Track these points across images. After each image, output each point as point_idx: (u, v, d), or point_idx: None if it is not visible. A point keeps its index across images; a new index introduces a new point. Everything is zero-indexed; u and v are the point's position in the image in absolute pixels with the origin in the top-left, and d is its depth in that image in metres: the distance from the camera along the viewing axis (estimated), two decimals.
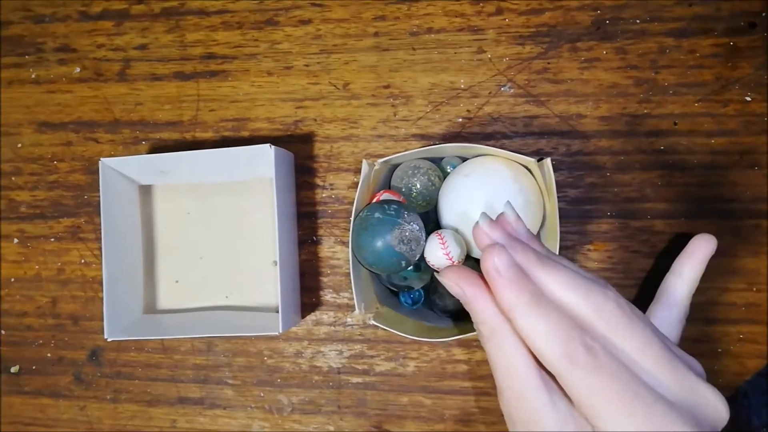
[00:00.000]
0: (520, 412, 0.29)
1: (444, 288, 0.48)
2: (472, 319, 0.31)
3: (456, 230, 0.46)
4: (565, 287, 0.28)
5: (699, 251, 0.38)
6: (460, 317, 0.50)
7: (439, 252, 0.44)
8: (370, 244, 0.43)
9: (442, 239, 0.44)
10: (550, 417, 0.28)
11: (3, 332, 0.61)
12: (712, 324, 0.50)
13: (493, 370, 0.30)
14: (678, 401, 0.27)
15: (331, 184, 0.55)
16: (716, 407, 0.28)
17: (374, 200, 0.48)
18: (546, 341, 0.26)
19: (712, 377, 0.50)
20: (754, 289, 0.50)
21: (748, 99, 0.50)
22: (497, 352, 0.29)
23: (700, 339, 0.50)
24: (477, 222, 0.31)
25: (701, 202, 0.50)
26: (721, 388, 0.50)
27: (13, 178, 0.60)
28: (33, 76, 0.60)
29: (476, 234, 0.31)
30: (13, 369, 0.61)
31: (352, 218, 0.46)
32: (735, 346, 0.50)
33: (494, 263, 0.28)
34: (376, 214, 0.43)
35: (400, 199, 0.47)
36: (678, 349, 0.30)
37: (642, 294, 0.51)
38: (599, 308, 0.27)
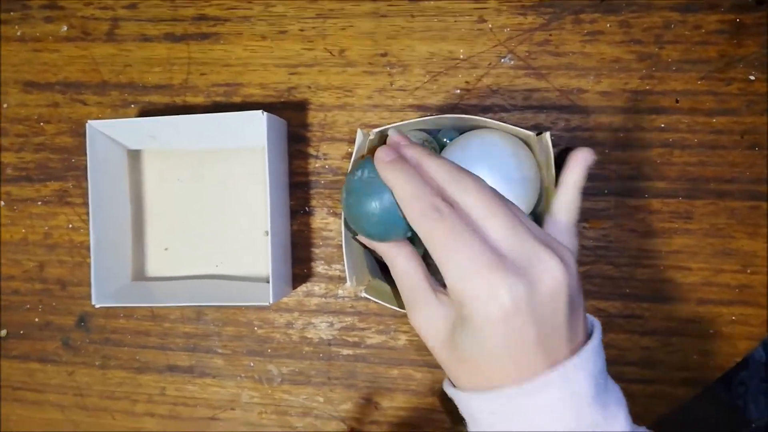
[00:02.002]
0: (418, 315, 0.36)
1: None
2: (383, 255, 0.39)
3: None
4: (435, 166, 0.35)
5: (576, 160, 0.41)
6: None
7: None
8: (365, 209, 0.37)
9: None
10: (436, 309, 0.35)
11: None
12: (705, 304, 0.50)
13: (400, 290, 0.38)
14: (509, 256, 0.31)
15: (324, 154, 0.54)
16: (551, 270, 0.31)
17: None
18: (408, 202, 0.33)
19: (704, 358, 0.50)
20: (749, 271, 0.49)
21: (752, 78, 0.49)
22: (396, 271, 0.38)
23: (693, 319, 0.50)
24: (389, 133, 0.38)
25: (700, 181, 0.50)
26: (713, 368, 0.50)
27: None
28: (18, 33, 0.58)
29: (388, 140, 0.38)
30: (1, 333, 0.60)
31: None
32: (727, 327, 0.50)
33: (379, 154, 0.36)
34: (367, 173, 0.37)
35: None
36: (538, 231, 0.34)
37: (633, 275, 0.51)
38: (459, 182, 0.33)
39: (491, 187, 0.34)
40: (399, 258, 0.37)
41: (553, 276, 0.31)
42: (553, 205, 0.41)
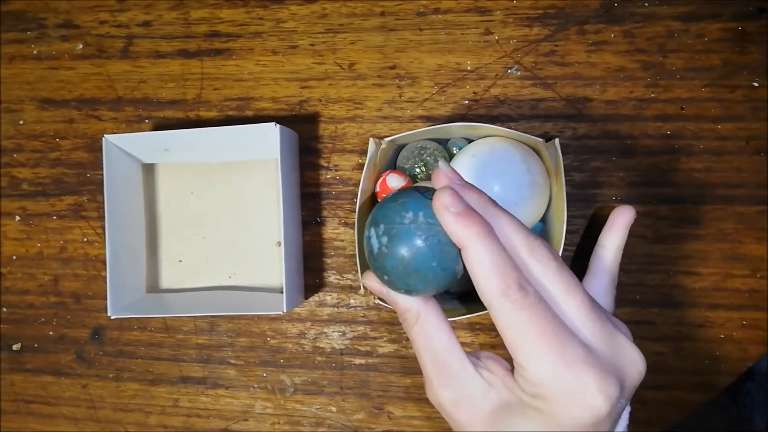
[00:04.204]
0: (448, 390, 0.31)
1: None
2: (397, 312, 0.33)
3: None
4: (510, 229, 0.30)
5: (619, 221, 0.40)
6: (465, 299, 0.50)
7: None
8: (418, 261, 0.30)
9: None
10: (476, 385, 0.30)
11: (4, 310, 0.61)
12: (715, 309, 0.50)
13: (419, 357, 0.32)
14: (596, 348, 0.29)
15: (335, 165, 0.55)
16: (636, 364, 0.30)
17: (379, 181, 0.48)
18: (487, 272, 0.28)
19: (715, 362, 0.50)
20: (758, 275, 0.50)
21: (756, 84, 0.50)
22: (422, 334, 0.32)
23: (703, 324, 0.50)
24: (438, 165, 0.32)
25: (706, 187, 0.50)
26: (725, 373, 0.50)
27: (14, 155, 0.60)
28: (35, 52, 0.60)
29: (436, 175, 0.32)
30: (15, 346, 0.60)
31: (357, 199, 0.46)
32: (737, 332, 0.50)
33: (445, 200, 0.29)
34: (423, 216, 0.30)
35: (406, 181, 0.47)
36: (605, 310, 0.32)
37: (642, 281, 0.51)
38: (535, 251, 0.30)
39: (557, 253, 0.31)
40: (430, 319, 0.32)
41: (638, 371, 0.30)
42: (592, 266, 0.39)
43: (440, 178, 0.31)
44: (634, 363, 0.30)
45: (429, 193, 0.31)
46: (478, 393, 0.30)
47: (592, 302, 0.30)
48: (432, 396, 0.32)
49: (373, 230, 0.31)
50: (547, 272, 0.29)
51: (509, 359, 0.30)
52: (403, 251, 0.30)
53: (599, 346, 0.29)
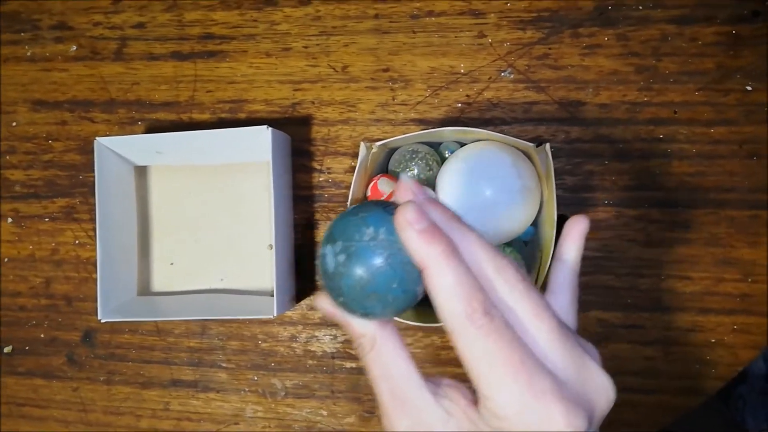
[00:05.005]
0: (405, 420, 0.29)
1: None
2: (351, 337, 0.31)
3: None
4: (476, 247, 0.28)
5: (573, 232, 0.38)
6: None
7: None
8: (377, 280, 0.27)
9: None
10: (436, 415, 0.28)
11: None
12: (707, 314, 0.50)
13: (375, 385, 0.30)
14: (565, 377, 0.27)
15: (328, 168, 0.55)
16: (606, 391, 0.28)
17: (371, 185, 0.47)
18: (450, 295, 0.26)
19: (705, 367, 0.50)
20: (750, 280, 0.50)
21: (749, 88, 0.50)
22: (378, 361, 0.29)
23: (694, 329, 0.50)
24: (401, 178, 0.30)
25: (699, 191, 0.50)
26: (715, 377, 0.50)
27: (7, 157, 0.60)
28: (29, 53, 0.59)
29: (398, 188, 0.30)
30: (6, 349, 0.60)
31: (348, 203, 0.46)
32: (729, 336, 0.50)
33: (408, 216, 0.27)
34: (384, 233, 0.28)
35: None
36: (573, 332, 0.30)
37: (634, 285, 0.51)
38: (502, 271, 0.28)
39: (525, 272, 0.29)
40: (386, 344, 0.29)
41: (608, 398, 0.28)
42: (552, 282, 0.38)
43: (403, 193, 0.29)
44: (603, 390, 0.28)
45: (391, 208, 0.28)
46: (437, 423, 0.28)
47: (561, 326, 0.28)
48: (388, 426, 0.29)
49: (329, 248, 0.28)
50: (514, 293, 0.28)
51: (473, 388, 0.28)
52: (362, 271, 0.27)
53: (568, 374, 0.27)
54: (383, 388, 0.29)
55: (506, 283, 0.28)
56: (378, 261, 0.27)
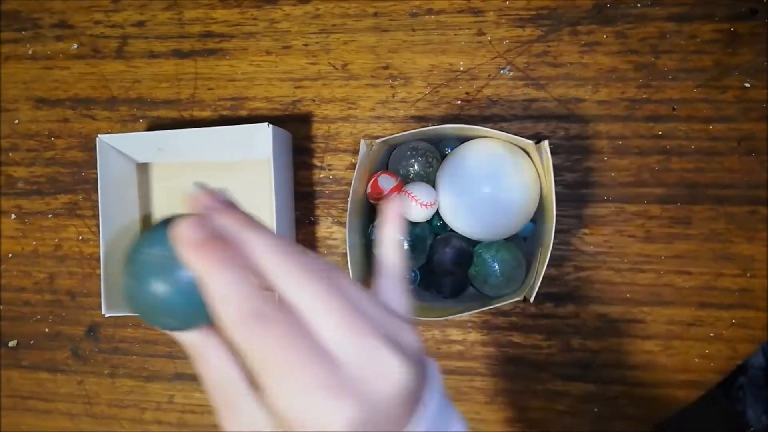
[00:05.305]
0: (235, 424, 0.29)
1: (440, 269, 0.49)
2: (185, 348, 0.31)
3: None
4: (261, 249, 0.28)
5: (389, 213, 0.37)
6: (456, 297, 0.50)
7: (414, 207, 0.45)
8: (155, 294, 0.28)
9: (410, 194, 0.45)
10: (260, 418, 0.28)
11: (1, 307, 0.61)
12: (706, 308, 0.51)
13: (207, 392, 0.30)
14: (345, 366, 0.27)
15: (328, 165, 0.55)
16: (389, 377, 0.28)
17: (371, 182, 0.48)
18: (222, 304, 0.26)
19: (705, 361, 0.50)
20: (748, 275, 0.50)
21: (747, 85, 0.50)
22: (205, 369, 0.30)
23: (693, 323, 0.51)
24: (191, 190, 0.30)
25: (698, 187, 0.50)
26: (714, 371, 0.51)
27: (10, 154, 0.60)
28: (30, 51, 0.60)
29: (189, 201, 0.30)
30: (11, 343, 0.61)
31: (349, 203, 0.46)
32: (727, 330, 0.50)
33: (181, 231, 0.27)
34: (158, 250, 0.28)
35: (397, 181, 0.47)
36: (373, 318, 0.30)
37: (633, 280, 0.51)
38: (287, 266, 0.28)
39: (327, 264, 0.29)
40: (210, 353, 0.30)
41: (391, 382, 0.28)
42: (379, 267, 0.37)
43: (193, 204, 0.29)
44: (387, 374, 0.28)
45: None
46: (261, 424, 0.29)
47: (352, 315, 0.28)
48: (222, 428, 0.30)
49: (125, 271, 0.28)
50: (299, 287, 0.27)
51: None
52: (147, 292, 0.27)
53: (350, 362, 0.27)
54: (213, 394, 0.30)
55: (290, 278, 0.27)
56: (161, 279, 0.27)
